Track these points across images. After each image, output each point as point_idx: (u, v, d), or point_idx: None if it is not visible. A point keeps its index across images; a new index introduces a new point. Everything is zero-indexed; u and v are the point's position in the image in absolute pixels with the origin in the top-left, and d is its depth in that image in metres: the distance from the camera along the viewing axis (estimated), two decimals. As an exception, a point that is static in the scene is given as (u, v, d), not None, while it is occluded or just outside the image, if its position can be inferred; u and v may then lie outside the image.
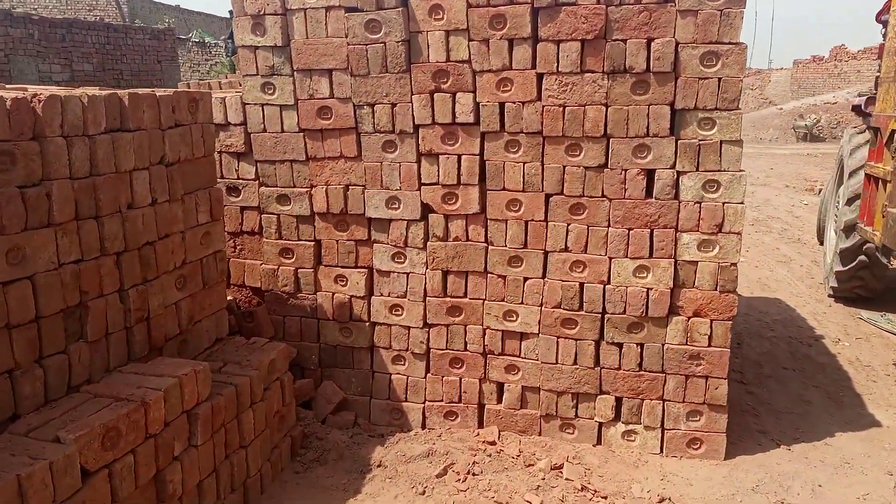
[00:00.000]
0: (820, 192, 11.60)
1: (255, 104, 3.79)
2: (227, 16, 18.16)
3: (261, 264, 4.01)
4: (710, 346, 3.51)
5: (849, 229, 5.57)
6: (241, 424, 3.04)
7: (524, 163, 3.52)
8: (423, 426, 3.91)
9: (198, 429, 2.72)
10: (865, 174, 4.73)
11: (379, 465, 3.49)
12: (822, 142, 20.38)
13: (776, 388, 4.55)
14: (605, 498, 3.26)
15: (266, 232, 3.96)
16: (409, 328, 3.84)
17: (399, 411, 3.94)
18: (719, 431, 3.60)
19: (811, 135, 20.58)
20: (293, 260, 3.94)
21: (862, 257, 5.58)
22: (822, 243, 7.64)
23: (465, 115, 3.53)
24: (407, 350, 3.88)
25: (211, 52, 20.48)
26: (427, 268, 3.76)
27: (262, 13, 3.65)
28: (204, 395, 2.79)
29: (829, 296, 6.38)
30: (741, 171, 3.33)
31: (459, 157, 3.60)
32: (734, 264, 3.42)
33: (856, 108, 6.51)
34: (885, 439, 3.89)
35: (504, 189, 3.58)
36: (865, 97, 5.99)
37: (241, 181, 3.95)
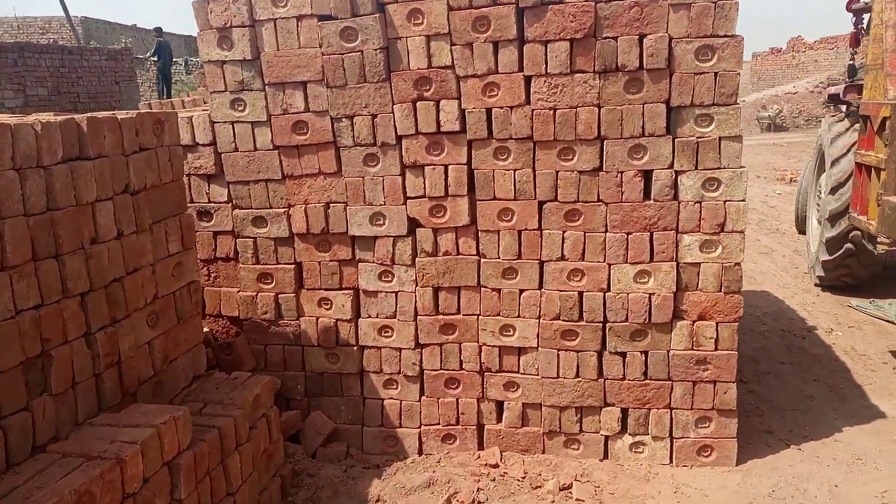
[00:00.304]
0: (791, 181, 11.69)
1: (225, 122, 3.57)
2: (155, 32, 17.56)
3: (238, 292, 3.78)
4: (716, 349, 3.39)
5: (834, 218, 5.52)
6: (227, 470, 2.80)
7: (515, 170, 3.36)
8: (420, 452, 3.72)
9: (180, 481, 2.48)
10: (856, 163, 4.67)
11: (377, 501, 3.28)
12: (785, 131, 20.70)
13: (776, 384, 4.46)
14: (619, 517, 3.11)
15: (242, 257, 3.73)
16: (400, 350, 3.65)
17: (394, 438, 3.74)
18: (730, 437, 3.48)
19: (775, 125, 20.91)
20: (273, 285, 3.71)
21: (848, 245, 5.53)
22: (801, 232, 7.62)
23: (451, 123, 3.35)
24: (399, 373, 3.68)
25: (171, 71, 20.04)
26: (416, 285, 3.57)
27: (228, 25, 3.43)
28: (185, 443, 2.54)
29: (816, 285, 6.33)
30: (742, 167, 3.21)
31: (446, 167, 3.42)
32: (738, 264, 3.30)
33: (833, 97, 6.49)
34: (893, 431, 3.82)
35: (494, 198, 3.41)
36: (843, 85, 5.97)
37: (212, 205, 3.71)
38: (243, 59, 3.47)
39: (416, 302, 3.58)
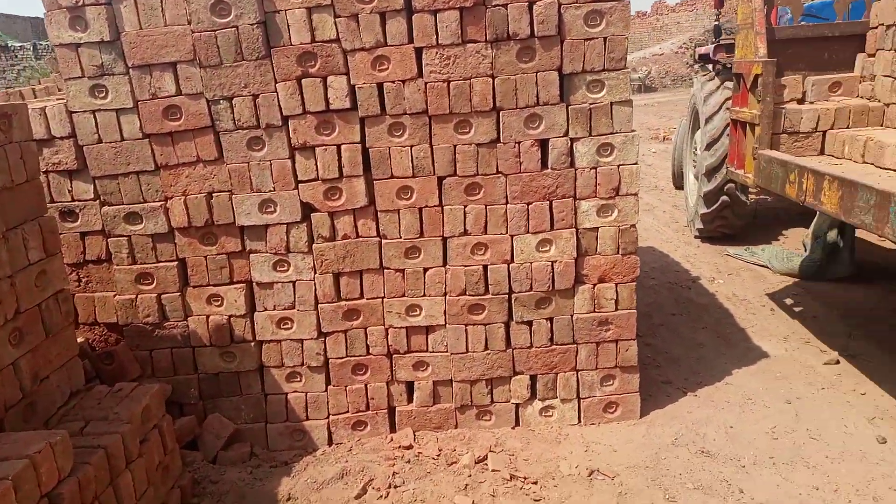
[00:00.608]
0: (664, 139, 12.40)
1: (85, 111, 3.23)
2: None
3: (114, 296, 3.48)
4: (617, 309, 3.52)
5: (710, 172, 5.89)
6: (118, 491, 2.59)
7: (411, 146, 3.28)
8: (330, 442, 3.64)
9: (66, 513, 2.26)
10: (731, 119, 4.98)
11: (288, 499, 3.17)
12: (655, 91, 21.95)
13: (668, 335, 4.73)
14: (536, 483, 3.19)
15: (116, 258, 3.43)
16: (301, 341, 3.52)
17: (301, 432, 3.63)
18: (633, 392, 3.66)
19: (645, 86, 22.12)
20: (154, 285, 3.45)
21: (724, 198, 5.96)
22: (679, 188, 8.12)
23: (340, 100, 3.20)
24: (302, 365, 3.56)
25: (17, 57, 18.16)
26: (315, 272, 3.44)
27: (80, 4, 3.08)
28: (66, 470, 2.32)
29: (696, 237, 6.79)
30: (633, 131, 3.31)
31: (339, 147, 3.28)
32: (633, 225, 3.42)
33: (703, 57, 6.88)
34: (775, 369, 4.16)
35: (392, 177, 3.33)
36: (713, 45, 6.33)
37: (77, 203, 3.37)
38: (101, 41, 3.13)
39: (315, 290, 3.46)
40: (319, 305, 3.48)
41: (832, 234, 5.32)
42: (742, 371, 4.16)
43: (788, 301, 5.21)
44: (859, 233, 5.54)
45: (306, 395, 3.60)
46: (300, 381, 3.59)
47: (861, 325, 4.64)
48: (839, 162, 4.07)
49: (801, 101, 4.48)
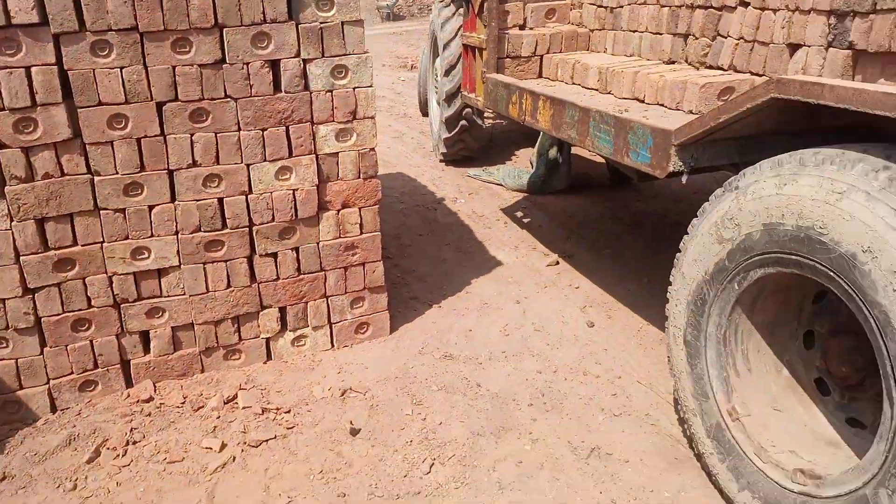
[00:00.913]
0: (413, 67, 12.90)
1: None
2: None
3: None
4: (362, 233, 3.73)
5: (450, 98, 6.35)
6: None
7: (121, 68, 3.03)
8: (54, 409, 3.40)
9: None
10: (463, 45, 5.35)
11: (4, 478, 2.95)
12: (402, 20, 22.36)
13: (416, 255, 5.14)
14: (289, 412, 3.35)
15: None
16: (3, 301, 3.18)
17: (15, 403, 3.32)
18: (382, 310, 3.95)
19: (393, 14, 22.40)
20: None
21: (463, 122, 6.54)
22: (425, 115, 8.61)
23: (25, 13, 2.81)
24: (7, 328, 3.22)
25: None
26: (13, 220, 3.08)
27: None
28: None
29: (441, 161, 7.37)
30: (366, 52, 3.42)
31: (28, 69, 2.91)
32: (373, 149, 3.60)
33: None
34: (507, 275, 4.79)
35: (101, 104, 3.06)
36: None
37: None
38: None
39: (14, 240, 3.10)
40: (22, 258, 3.14)
41: (553, 152, 6.14)
42: (480, 280, 4.70)
43: (519, 214, 5.95)
44: (575, 150, 6.44)
45: (17, 362, 3.28)
46: (7, 346, 3.25)
47: (575, 230, 5.49)
48: (553, 84, 4.66)
49: (522, 27, 4.97)
